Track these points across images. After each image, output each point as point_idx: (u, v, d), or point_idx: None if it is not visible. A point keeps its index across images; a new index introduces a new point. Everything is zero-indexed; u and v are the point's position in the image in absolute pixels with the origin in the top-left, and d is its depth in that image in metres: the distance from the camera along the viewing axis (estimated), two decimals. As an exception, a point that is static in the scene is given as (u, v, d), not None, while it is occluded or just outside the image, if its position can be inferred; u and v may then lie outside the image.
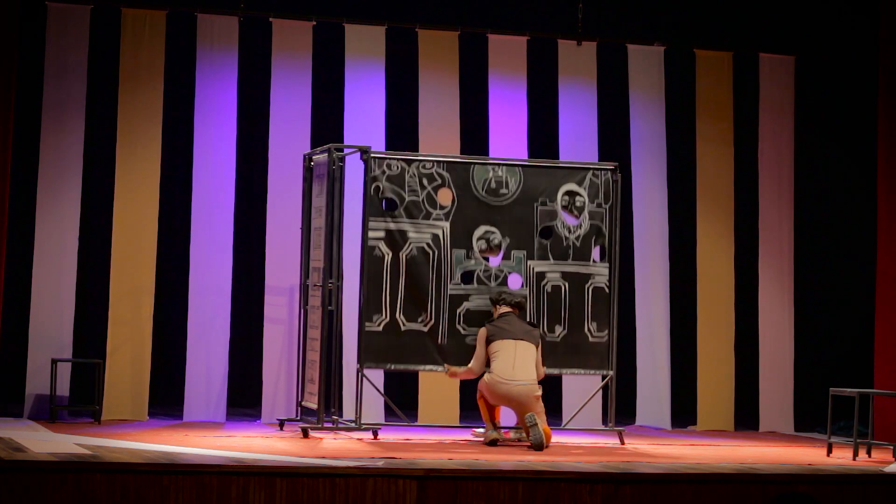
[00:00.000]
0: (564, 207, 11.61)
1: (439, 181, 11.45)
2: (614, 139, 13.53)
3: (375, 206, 11.33)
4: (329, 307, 11.34)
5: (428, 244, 11.39)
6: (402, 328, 11.32)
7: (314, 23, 12.77)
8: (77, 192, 12.32)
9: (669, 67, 13.47)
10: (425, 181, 11.43)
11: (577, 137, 13.21)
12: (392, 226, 11.35)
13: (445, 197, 11.46)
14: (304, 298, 11.94)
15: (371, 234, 11.29)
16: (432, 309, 11.37)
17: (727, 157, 13.51)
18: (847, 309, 13.91)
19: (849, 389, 11.19)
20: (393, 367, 11.44)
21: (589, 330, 11.60)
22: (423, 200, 11.42)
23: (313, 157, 11.93)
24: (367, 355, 11.26)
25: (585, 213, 11.64)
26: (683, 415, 13.28)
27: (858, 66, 13.64)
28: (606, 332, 11.62)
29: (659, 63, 13.43)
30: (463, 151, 12.79)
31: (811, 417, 13.36)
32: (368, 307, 11.27)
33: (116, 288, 12.27)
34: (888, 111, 12.54)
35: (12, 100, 11.89)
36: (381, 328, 11.29)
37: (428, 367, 11.44)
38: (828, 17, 13.78)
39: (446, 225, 11.44)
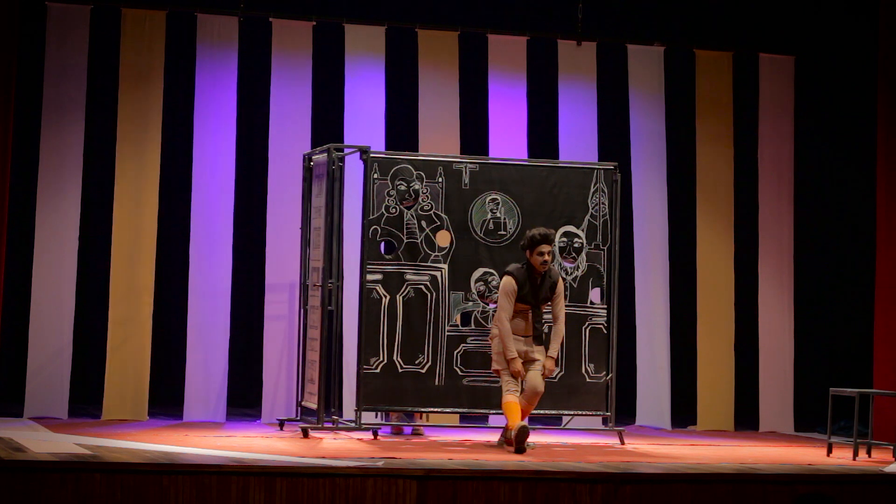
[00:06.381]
0: (562, 249, 11.57)
1: (438, 223, 11.43)
2: (614, 139, 13.53)
3: (374, 248, 11.31)
4: (329, 307, 11.34)
5: (426, 286, 11.37)
6: (400, 370, 11.32)
7: (314, 23, 12.77)
8: (77, 192, 12.32)
9: (669, 67, 13.47)
10: (424, 223, 11.40)
11: (577, 137, 13.21)
12: (390, 268, 11.33)
13: (444, 239, 11.44)
14: (303, 298, 11.94)
15: (369, 276, 11.28)
16: (429, 351, 11.37)
17: (727, 157, 13.51)
18: (847, 309, 13.90)
19: (849, 389, 11.19)
20: (390, 409, 11.44)
21: (586, 370, 11.57)
22: (421, 242, 11.40)
23: (313, 157, 11.92)
24: (365, 398, 11.24)
25: (583, 254, 11.62)
26: (683, 415, 13.29)
27: (858, 66, 13.64)
28: (604, 372, 11.59)
29: (659, 63, 13.43)
30: (463, 151, 12.80)
31: (811, 417, 13.36)
32: (366, 350, 11.26)
33: (116, 288, 12.28)
34: (888, 111, 12.54)
35: (12, 100, 11.90)
36: (378, 370, 11.28)
37: (426, 409, 11.44)
38: (828, 17, 13.77)
39: (445, 267, 11.43)
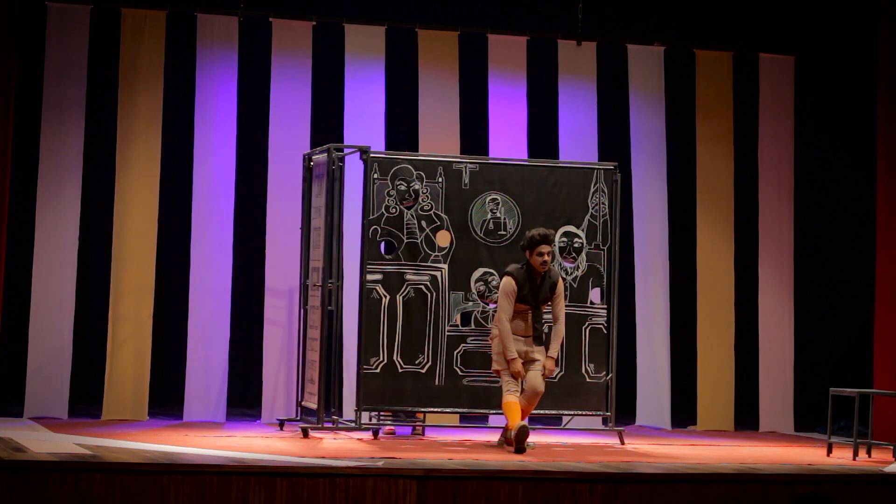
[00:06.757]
0: (562, 249, 11.57)
1: (438, 223, 11.42)
2: (614, 139, 13.53)
3: (374, 248, 11.30)
4: (329, 307, 11.34)
5: (426, 286, 11.37)
6: (400, 370, 11.31)
7: (314, 23, 12.77)
8: (77, 192, 12.32)
9: (669, 67, 13.47)
10: (424, 223, 11.40)
11: (577, 137, 13.21)
12: (390, 268, 11.33)
13: (444, 239, 11.43)
14: (303, 298, 11.94)
15: (369, 276, 11.27)
16: (429, 351, 11.36)
17: (727, 157, 13.51)
18: (847, 309, 13.90)
19: (849, 389, 11.19)
20: (390, 409, 11.40)
21: (586, 371, 11.57)
22: (421, 242, 11.40)
23: (313, 157, 11.92)
24: (365, 398, 11.22)
25: (583, 254, 11.61)
26: (683, 415, 13.29)
27: (858, 66, 13.64)
28: (604, 372, 11.59)
29: (659, 63, 13.43)
30: (463, 151, 12.80)
31: (811, 417, 13.36)
32: (366, 350, 11.25)
33: (116, 288, 12.28)
34: (888, 111, 12.54)
35: (12, 100, 11.89)
36: (378, 370, 11.27)
37: (426, 409, 11.42)
38: (828, 17, 13.77)
39: (445, 267, 11.43)
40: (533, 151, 13.07)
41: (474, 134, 13.17)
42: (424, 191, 11.40)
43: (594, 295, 11.65)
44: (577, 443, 11.45)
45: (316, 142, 12.48)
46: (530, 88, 13.20)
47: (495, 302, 11.12)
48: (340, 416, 11.46)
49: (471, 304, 11.45)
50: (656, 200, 13.37)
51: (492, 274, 11.43)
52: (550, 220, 11.46)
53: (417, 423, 11.64)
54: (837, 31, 13.79)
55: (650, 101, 13.42)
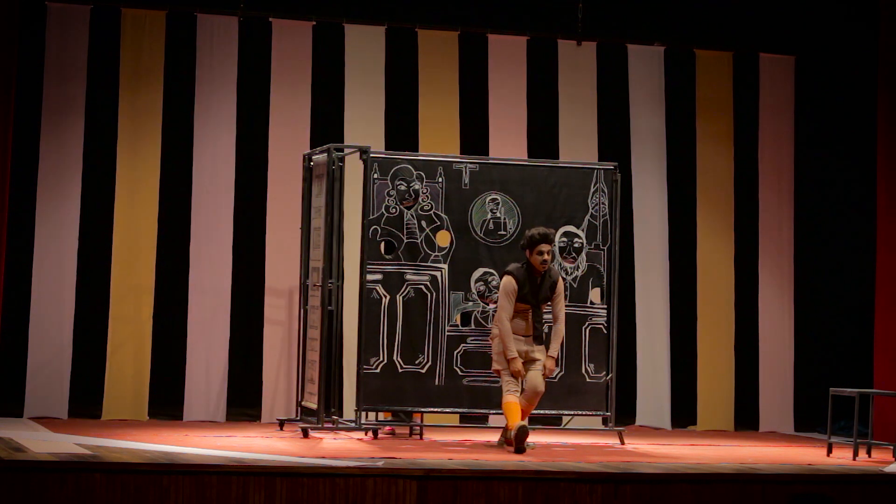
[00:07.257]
0: (562, 249, 11.56)
1: (438, 223, 11.42)
2: (614, 139, 13.53)
3: (374, 248, 11.30)
4: (329, 307, 11.34)
5: (426, 286, 11.36)
6: (400, 370, 11.31)
7: (314, 23, 12.78)
8: (77, 192, 12.33)
9: (669, 67, 13.48)
10: (424, 223, 11.39)
11: (577, 137, 13.21)
12: (390, 268, 11.33)
13: (444, 239, 11.43)
14: (303, 298, 11.94)
15: (369, 276, 11.26)
16: (429, 351, 11.36)
17: (727, 157, 13.52)
18: (847, 309, 13.89)
19: (849, 389, 11.18)
20: (390, 409, 11.38)
21: (586, 371, 11.56)
22: (421, 242, 11.39)
23: (313, 157, 11.92)
24: (365, 398, 11.21)
25: (583, 254, 11.61)
26: (683, 415, 13.29)
27: (858, 66, 13.64)
28: (604, 372, 11.58)
29: (659, 63, 13.43)
30: (463, 151, 12.80)
31: (811, 417, 13.36)
32: (366, 350, 11.24)
33: (117, 288, 12.29)
34: (888, 111, 12.53)
35: (12, 100, 11.90)
36: (378, 370, 11.27)
37: (426, 409, 11.41)
38: (828, 17, 13.77)
39: (445, 267, 11.42)
40: (533, 151, 13.06)
41: (474, 134, 13.16)
42: (424, 191, 11.40)
43: (594, 295, 11.65)
44: (577, 443, 11.45)
45: (316, 142, 12.47)
46: (530, 88, 13.21)
47: (495, 302, 11.11)
48: (340, 416, 11.46)
49: (471, 304, 11.45)
50: (656, 200, 13.37)
51: (492, 274, 11.43)
52: (550, 220, 11.46)
53: (415, 425, 11.62)
54: (837, 31, 13.78)
55: (650, 101, 13.42)
